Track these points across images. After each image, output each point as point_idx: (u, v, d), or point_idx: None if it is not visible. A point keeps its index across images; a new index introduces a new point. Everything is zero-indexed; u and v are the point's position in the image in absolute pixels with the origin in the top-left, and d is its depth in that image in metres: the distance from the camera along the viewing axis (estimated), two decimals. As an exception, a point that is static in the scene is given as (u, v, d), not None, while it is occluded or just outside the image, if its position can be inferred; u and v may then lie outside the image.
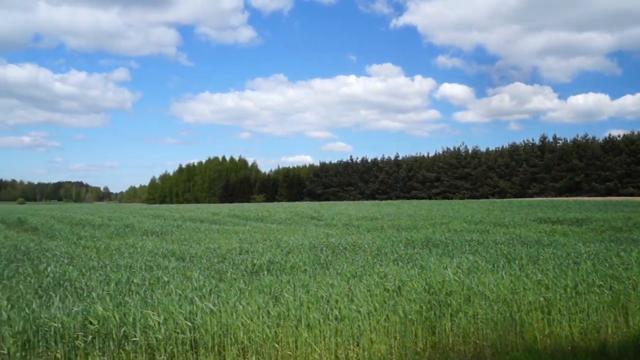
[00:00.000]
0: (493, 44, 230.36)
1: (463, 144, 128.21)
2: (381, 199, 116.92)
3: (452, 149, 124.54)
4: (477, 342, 7.75)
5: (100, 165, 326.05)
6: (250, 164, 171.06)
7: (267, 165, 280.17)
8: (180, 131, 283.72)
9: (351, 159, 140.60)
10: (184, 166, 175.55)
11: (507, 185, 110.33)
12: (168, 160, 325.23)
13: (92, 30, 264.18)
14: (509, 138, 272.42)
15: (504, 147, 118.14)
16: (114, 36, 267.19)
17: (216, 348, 7.02)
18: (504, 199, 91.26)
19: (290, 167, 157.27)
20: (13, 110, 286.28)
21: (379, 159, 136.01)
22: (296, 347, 7.12)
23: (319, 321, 7.33)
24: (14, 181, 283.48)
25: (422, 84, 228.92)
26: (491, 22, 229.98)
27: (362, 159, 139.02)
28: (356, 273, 10.50)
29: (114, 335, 6.99)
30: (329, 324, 7.31)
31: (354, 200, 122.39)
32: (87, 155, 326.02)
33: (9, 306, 7.78)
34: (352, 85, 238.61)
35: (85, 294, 8.91)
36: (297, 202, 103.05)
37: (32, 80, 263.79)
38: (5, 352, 6.65)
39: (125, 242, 19.39)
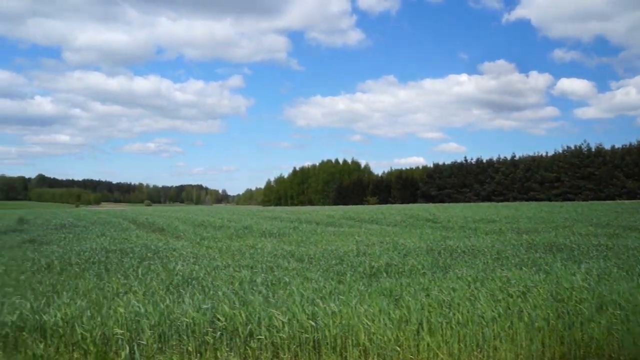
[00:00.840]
0: (615, 33, 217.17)
1: (585, 142, 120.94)
2: (497, 201, 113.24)
3: (572, 147, 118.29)
4: (613, 355, 7.30)
5: (219, 168, 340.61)
6: (362, 166, 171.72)
7: (379, 167, 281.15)
8: (293, 135, 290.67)
9: (465, 160, 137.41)
10: (297, 169, 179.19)
11: (637, 185, 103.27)
12: (282, 163, 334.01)
13: (208, 40, 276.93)
14: (637, 134, 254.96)
15: (632, 144, 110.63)
16: (228, 45, 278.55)
17: (338, 349, 7.10)
18: (634, 200, 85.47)
19: (403, 168, 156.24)
20: (140, 119, 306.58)
21: (494, 159, 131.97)
22: (418, 351, 7.05)
23: (441, 325, 7.22)
24: (141, 185, 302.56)
25: (537, 80, 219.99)
26: (612, 9, 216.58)
27: (477, 159, 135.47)
28: (477, 277, 10.24)
29: (241, 333, 7.25)
30: (452, 329, 7.18)
31: (469, 202, 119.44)
32: (206, 160, 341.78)
33: (146, 301, 8.30)
34: (463, 84, 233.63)
35: (211, 292, 9.31)
36: (411, 204, 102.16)
37: (156, 90, 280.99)
38: (144, 342, 7.11)
39: (245, 243, 20.06)
